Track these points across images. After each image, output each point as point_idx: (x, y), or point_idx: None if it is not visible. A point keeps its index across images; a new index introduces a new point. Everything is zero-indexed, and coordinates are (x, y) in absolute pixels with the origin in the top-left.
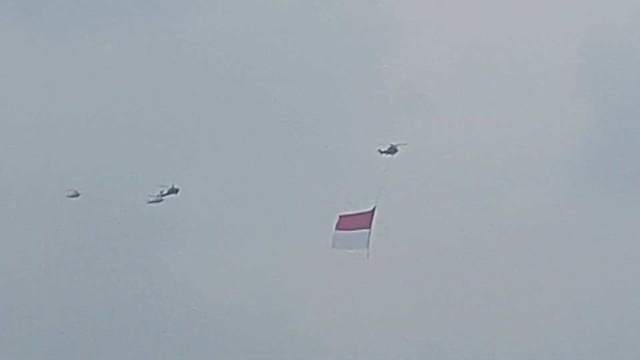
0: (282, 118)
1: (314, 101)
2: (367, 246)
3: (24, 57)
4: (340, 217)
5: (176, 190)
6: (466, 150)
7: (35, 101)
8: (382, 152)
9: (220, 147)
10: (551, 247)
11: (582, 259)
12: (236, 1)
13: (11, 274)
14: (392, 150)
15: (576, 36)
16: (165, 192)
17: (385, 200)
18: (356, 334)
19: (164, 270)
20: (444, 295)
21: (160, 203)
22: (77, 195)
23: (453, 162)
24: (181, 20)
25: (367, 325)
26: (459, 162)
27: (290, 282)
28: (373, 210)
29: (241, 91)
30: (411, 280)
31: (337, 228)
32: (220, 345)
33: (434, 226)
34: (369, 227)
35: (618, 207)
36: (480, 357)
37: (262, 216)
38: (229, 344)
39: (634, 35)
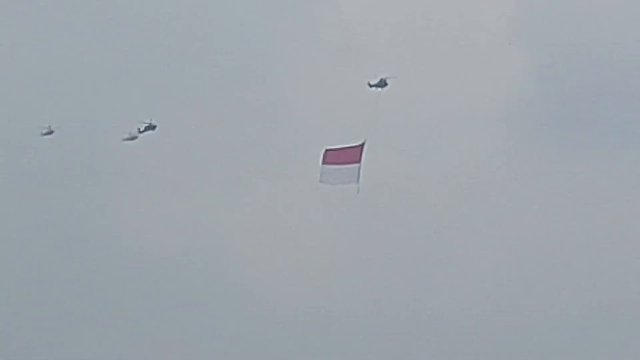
0: (229, 67)
1: (258, 50)
2: (357, 181)
3: None
4: (327, 150)
5: (154, 127)
6: (401, 97)
7: (9, 40)
8: (371, 86)
9: (183, 94)
10: (487, 192)
11: (516, 205)
12: None
13: None
14: (382, 83)
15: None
16: (142, 129)
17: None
18: (300, 284)
19: (111, 215)
20: (377, 242)
21: (135, 141)
22: (51, 132)
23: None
24: None
25: (310, 274)
26: (394, 109)
27: (234, 231)
28: (362, 145)
29: (192, 46)
30: (351, 228)
31: (325, 162)
32: (158, 293)
33: (369, 169)
34: (359, 162)
35: (551, 154)
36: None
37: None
38: (168, 293)
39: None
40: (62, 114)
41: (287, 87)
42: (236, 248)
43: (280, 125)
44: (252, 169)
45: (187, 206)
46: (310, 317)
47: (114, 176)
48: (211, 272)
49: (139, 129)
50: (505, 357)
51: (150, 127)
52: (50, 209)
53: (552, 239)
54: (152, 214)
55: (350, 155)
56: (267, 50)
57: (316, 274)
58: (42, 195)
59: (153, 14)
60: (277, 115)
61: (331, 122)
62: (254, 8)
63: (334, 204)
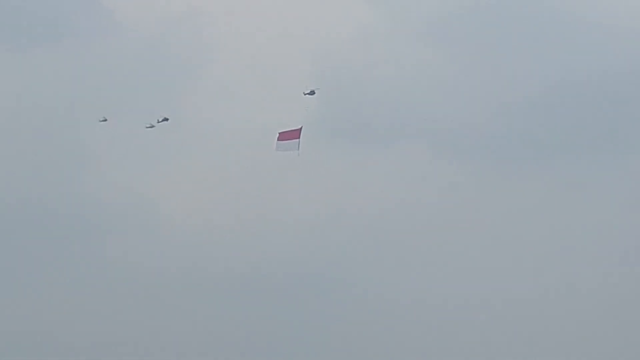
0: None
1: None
2: (298, 149)
3: None
4: (279, 132)
5: (167, 119)
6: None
7: None
8: (305, 94)
9: None
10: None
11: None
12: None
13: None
14: (312, 92)
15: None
16: (160, 120)
17: None
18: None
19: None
20: None
21: (153, 128)
22: (105, 120)
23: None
24: None
25: None
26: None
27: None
28: (300, 128)
29: None
30: None
31: (278, 139)
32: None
33: None
34: (299, 138)
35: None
36: None
37: None
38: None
39: (353, 46)
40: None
41: None
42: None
43: None
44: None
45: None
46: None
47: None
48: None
49: (158, 120)
50: None
51: (165, 120)
52: None
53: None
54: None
55: (294, 134)
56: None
57: None
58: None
59: None
60: None
61: None
62: None
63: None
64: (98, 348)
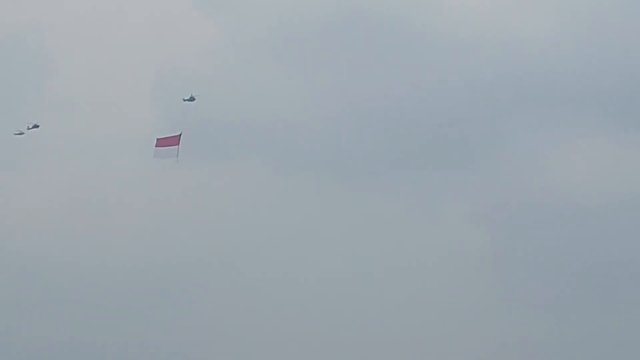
0: None
1: None
2: (177, 156)
3: None
4: (158, 139)
5: (37, 126)
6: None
7: None
8: (185, 100)
9: None
10: None
11: None
12: None
13: None
14: (192, 99)
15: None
16: (30, 127)
17: None
18: None
19: None
20: None
21: (23, 135)
22: None
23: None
24: None
25: None
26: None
27: None
28: (180, 134)
29: None
30: None
31: (157, 145)
32: None
33: None
34: (178, 144)
35: None
36: None
37: None
38: None
39: (196, 77)
40: None
41: None
42: None
43: None
44: None
45: None
46: None
47: None
48: None
49: (27, 126)
50: None
51: (35, 127)
52: None
53: None
54: None
55: (173, 141)
56: None
57: None
58: None
59: None
60: None
61: None
62: None
63: None
64: None
